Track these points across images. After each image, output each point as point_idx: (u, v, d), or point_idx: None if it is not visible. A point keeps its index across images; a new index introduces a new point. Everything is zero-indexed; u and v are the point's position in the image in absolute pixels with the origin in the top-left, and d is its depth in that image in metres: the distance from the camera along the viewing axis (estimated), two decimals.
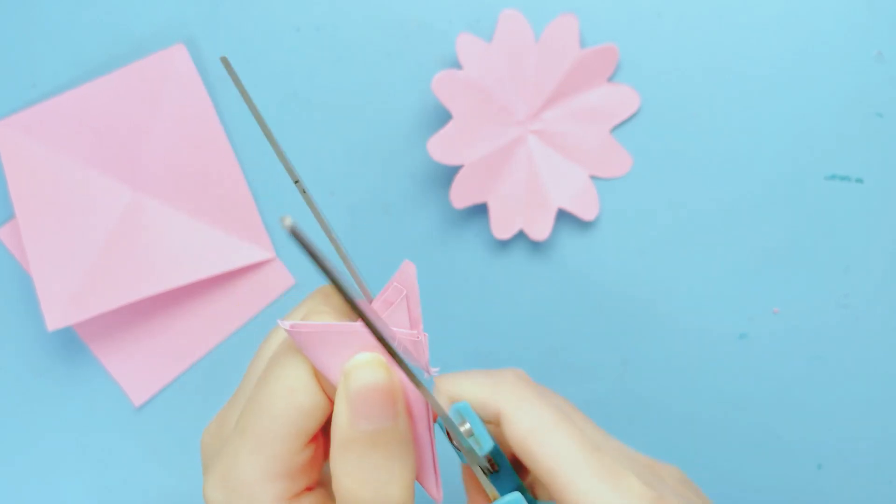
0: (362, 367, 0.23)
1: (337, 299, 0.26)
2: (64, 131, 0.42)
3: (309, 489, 0.25)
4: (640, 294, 0.42)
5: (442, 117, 0.42)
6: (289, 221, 0.17)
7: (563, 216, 0.42)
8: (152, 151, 0.42)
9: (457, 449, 0.27)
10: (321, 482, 0.26)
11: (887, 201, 0.42)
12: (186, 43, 0.42)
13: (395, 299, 0.23)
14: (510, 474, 0.29)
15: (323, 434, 0.25)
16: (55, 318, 0.41)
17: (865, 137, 0.41)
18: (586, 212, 0.42)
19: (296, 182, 0.24)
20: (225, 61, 0.24)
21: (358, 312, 0.19)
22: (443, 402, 0.28)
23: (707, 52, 0.42)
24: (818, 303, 0.42)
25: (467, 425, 0.27)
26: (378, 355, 0.23)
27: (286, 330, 0.23)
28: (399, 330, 0.23)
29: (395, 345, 0.21)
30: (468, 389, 0.28)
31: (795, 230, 0.42)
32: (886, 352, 0.42)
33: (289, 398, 0.23)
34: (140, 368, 0.43)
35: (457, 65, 0.41)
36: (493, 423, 0.28)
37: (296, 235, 0.17)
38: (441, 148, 0.40)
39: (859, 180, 0.42)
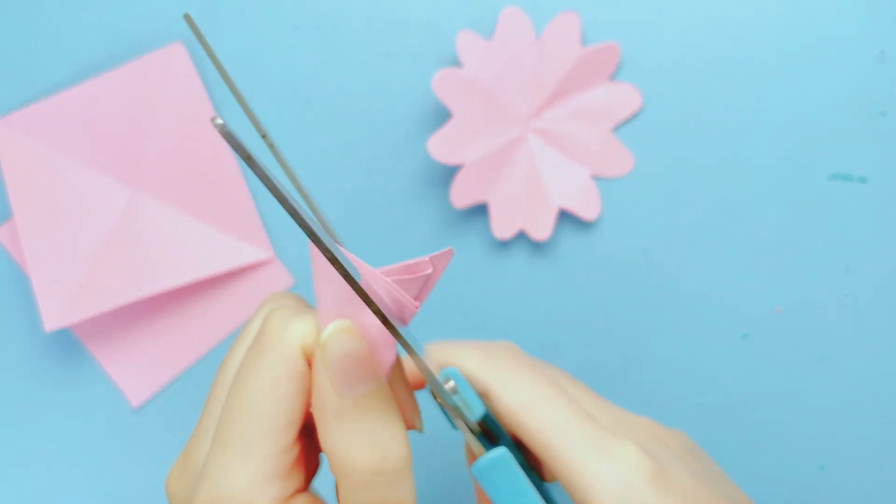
0: (338, 335, 0.22)
1: (292, 300, 0.26)
2: (62, 130, 0.41)
3: (299, 491, 0.25)
4: (642, 294, 0.42)
5: (442, 116, 0.41)
6: (220, 121, 0.16)
7: (564, 216, 0.42)
8: (151, 151, 0.42)
9: (443, 410, 0.27)
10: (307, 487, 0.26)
11: (890, 201, 0.41)
12: (185, 42, 0.42)
13: (419, 272, 0.23)
14: (511, 450, 0.29)
15: (302, 435, 0.25)
16: (53, 319, 0.40)
17: (868, 137, 0.41)
18: (587, 211, 0.41)
19: (263, 136, 0.24)
20: (188, 18, 0.23)
21: (320, 247, 0.19)
22: (431, 366, 0.27)
23: (709, 50, 0.41)
24: (820, 303, 0.42)
25: (451, 383, 0.27)
26: (348, 322, 0.23)
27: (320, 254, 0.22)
28: (390, 278, 0.23)
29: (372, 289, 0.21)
30: (459, 360, 0.28)
31: (798, 230, 0.42)
32: (888, 352, 0.42)
33: (274, 390, 0.23)
34: (138, 369, 0.43)
35: (457, 63, 0.41)
36: (484, 397, 0.28)
37: (228, 139, 0.16)
38: (441, 147, 0.40)
39: (862, 180, 0.41)
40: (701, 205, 0.42)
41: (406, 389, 0.26)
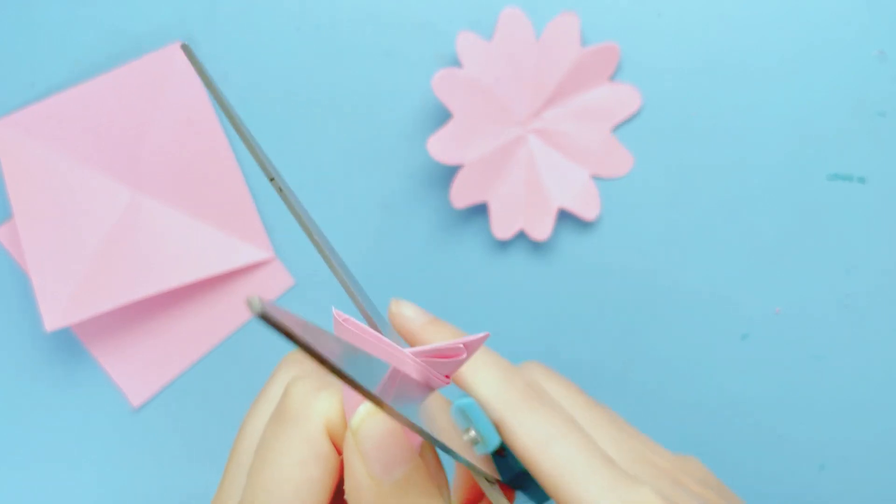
0: (370, 419, 0.21)
1: (309, 363, 0.25)
2: (62, 131, 0.41)
3: None
4: (642, 294, 0.42)
5: (442, 116, 0.41)
6: (257, 303, 0.13)
7: (564, 216, 0.42)
8: (151, 151, 0.42)
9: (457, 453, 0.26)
10: None
11: (890, 201, 0.41)
12: (185, 42, 0.42)
13: (451, 357, 0.21)
14: (515, 461, 0.29)
15: None
16: (53, 319, 0.40)
17: (868, 137, 0.41)
18: (587, 211, 0.41)
19: (271, 180, 0.22)
20: (186, 48, 0.21)
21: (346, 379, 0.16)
22: (475, 462, 0.26)
23: (708, 50, 0.41)
24: (820, 303, 0.42)
25: (472, 433, 0.26)
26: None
27: (340, 321, 0.21)
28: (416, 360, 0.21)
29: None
30: (475, 386, 0.27)
31: (797, 230, 0.42)
32: (888, 352, 0.42)
33: (299, 474, 0.22)
34: (139, 369, 0.43)
35: (457, 63, 0.41)
36: (497, 429, 0.27)
37: (267, 319, 0.14)
38: (441, 147, 0.40)
39: (861, 180, 0.41)
40: (700, 205, 0.42)
41: (436, 463, 0.25)
